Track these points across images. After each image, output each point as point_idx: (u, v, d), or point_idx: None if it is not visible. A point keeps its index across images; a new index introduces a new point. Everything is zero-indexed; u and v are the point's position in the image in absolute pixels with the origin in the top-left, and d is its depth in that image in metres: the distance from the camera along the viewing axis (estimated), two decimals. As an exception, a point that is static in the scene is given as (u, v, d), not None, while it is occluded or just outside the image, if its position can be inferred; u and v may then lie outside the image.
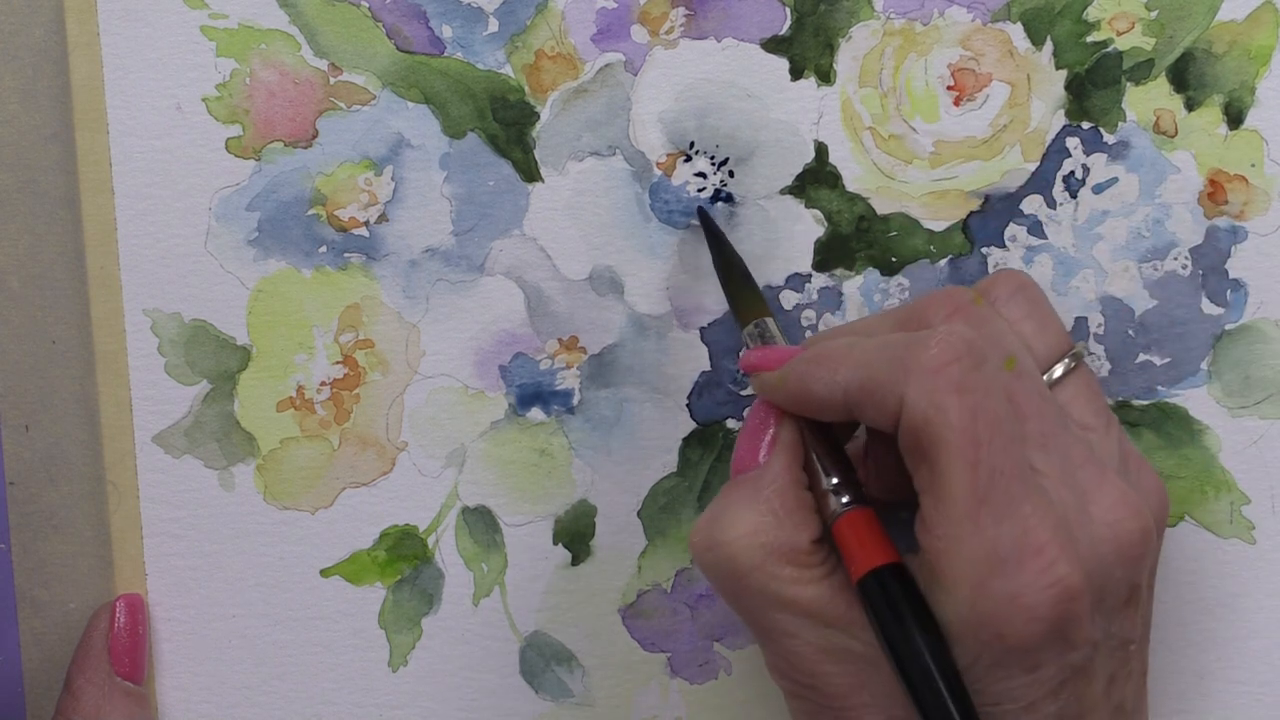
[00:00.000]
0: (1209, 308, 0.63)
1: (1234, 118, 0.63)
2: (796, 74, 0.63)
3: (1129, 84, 0.63)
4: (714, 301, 0.63)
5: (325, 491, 0.64)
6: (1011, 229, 0.63)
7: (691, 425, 0.64)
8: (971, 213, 0.63)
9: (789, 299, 0.63)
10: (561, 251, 0.64)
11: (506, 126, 0.63)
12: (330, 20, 0.63)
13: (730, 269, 0.61)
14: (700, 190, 0.63)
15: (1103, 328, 0.63)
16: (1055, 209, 0.63)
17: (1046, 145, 0.63)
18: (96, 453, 0.64)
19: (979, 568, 0.51)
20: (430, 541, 0.64)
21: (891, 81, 0.63)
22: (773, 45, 0.63)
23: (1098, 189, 0.63)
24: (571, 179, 0.64)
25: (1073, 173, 0.63)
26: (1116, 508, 0.53)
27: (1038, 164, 0.63)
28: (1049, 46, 0.63)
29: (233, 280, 0.64)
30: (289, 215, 0.64)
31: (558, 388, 0.64)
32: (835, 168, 0.63)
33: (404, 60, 0.63)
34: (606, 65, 0.63)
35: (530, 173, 0.64)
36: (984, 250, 0.63)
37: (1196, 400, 0.63)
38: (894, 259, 0.63)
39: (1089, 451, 0.54)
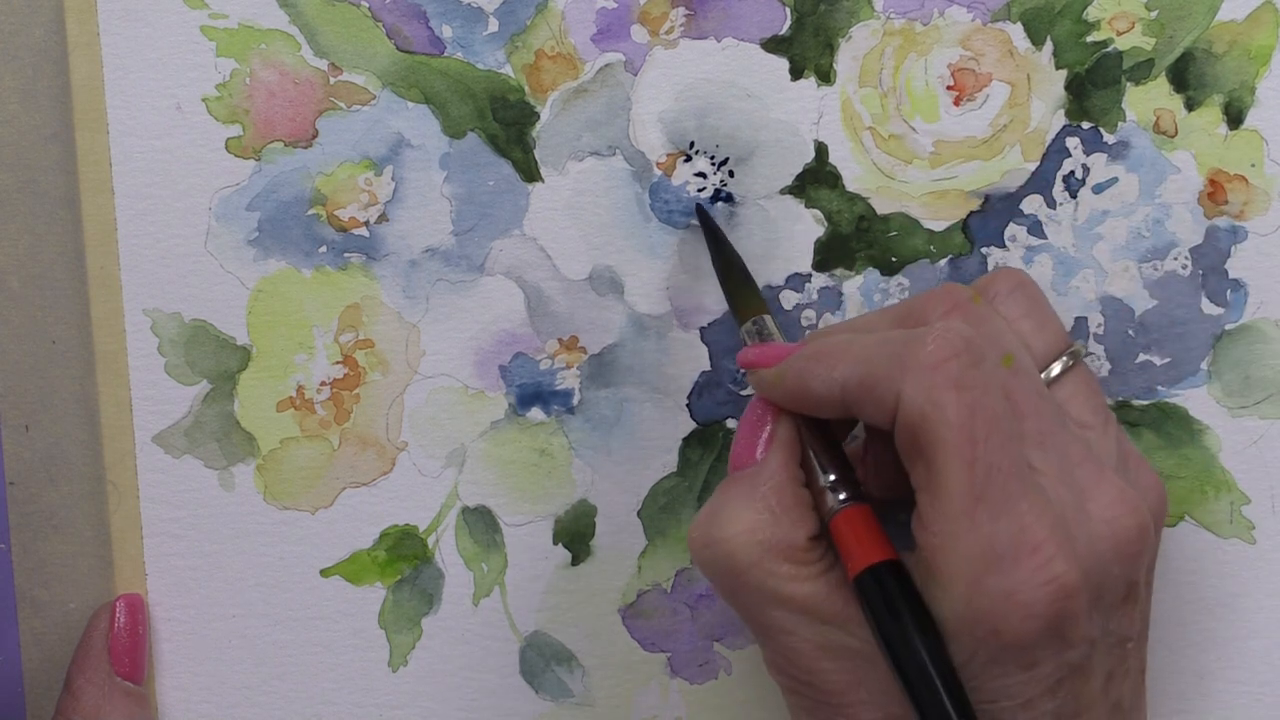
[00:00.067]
0: (1209, 308, 0.63)
1: (1234, 118, 0.63)
2: (796, 74, 0.63)
3: (1129, 84, 0.63)
4: (714, 301, 0.63)
5: (325, 491, 0.64)
6: (1011, 229, 0.63)
7: (691, 425, 0.64)
8: (971, 213, 0.63)
9: (789, 299, 0.63)
10: (561, 251, 0.64)
11: (506, 126, 0.64)
12: (330, 20, 0.63)
13: (728, 266, 0.61)
14: (700, 190, 0.63)
15: (1103, 328, 0.63)
16: (1055, 209, 0.63)
17: (1046, 145, 0.63)
18: (96, 453, 0.64)
19: (975, 565, 0.51)
20: (430, 541, 0.64)
21: (891, 81, 0.63)
22: (773, 45, 0.63)
23: (1098, 189, 0.63)
24: (571, 179, 0.64)
25: (1073, 173, 0.63)
26: (1114, 505, 0.53)
27: (1038, 164, 0.63)
28: (1049, 46, 0.63)
29: (233, 280, 0.64)
30: (289, 215, 0.64)
31: (558, 388, 0.64)
32: (835, 168, 0.63)
33: (404, 60, 0.63)
34: (606, 65, 0.63)
35: (530, 173, 0.64)
36: (984, 250, 0.63)
37: (1196, 400, 0.63)
38: (894, 259, 0.63)
39: (1087, 449, 0.54)
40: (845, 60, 0.63)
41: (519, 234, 0.64)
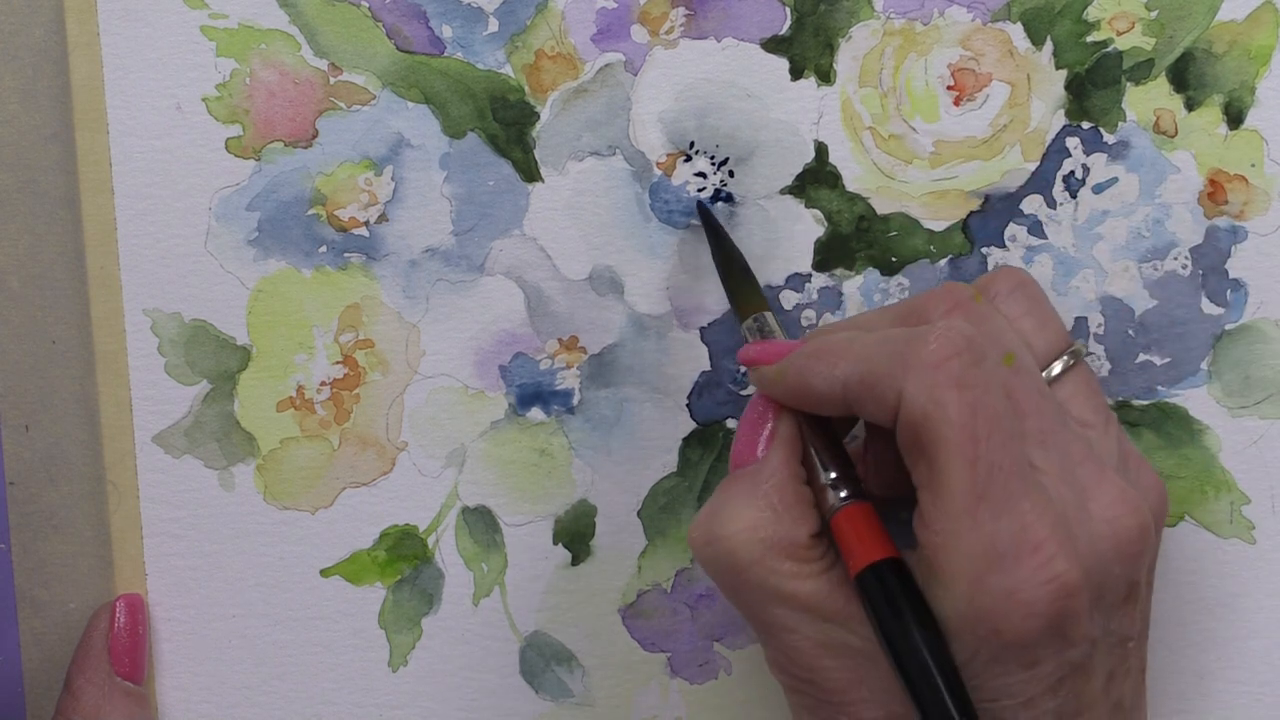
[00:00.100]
0: (1209, 308, 0.63)
1: (1234, 118, 0.63)
2: (796, 74, 0.63)
3: (1129, 84, 0.63)
4: (714, 301, 0.63)
5: (325, 491, 0.64)
6: (1011, 229, 0.63)
7: (691, 425, 0.64)
8: (971, 213, 0.63)
9: (789, 299, 0.63)
10: (561, 251, 0.64)
11: (506, 126, 0.64)
12: (330, 20, 0.63)
13: (729, 263, 0.61)
14: (700, 190, 0.63)
15: (1103, 328, 0.63)
16: (1055, 209, 0.63)
17: (1046, 145, 0.63)
18: (96, 453, 0.64)
19: (977, 563, 0.51)
20: (430, 541, 0.64)
21: (891, 81, 0.63)
22: (773, 45, 0.63)
23: (1098, 189, 0.63)
24: (571, 179, 0.64)
25: (1073, 173, 0.63)
26: (1115, 505, 0.53)
27: (1038, 164, 0.63)
28: (1049, 46, 0.63)
29: (233, 280, 0.64)
30: (289, 215, 0.64)
31: (558, 388, 0.64)
32: (835, 168, 0.63)
33: (404, 60, 0.63)
34: (606, 65, 0.63)
35: (530, 173, 0.64)
36: (984, 250, 0.63)
37: (1196, 400, 0.63)
38: (894, 259, 0.63)
39: (1088, 449, 0.54)
40: (845, 60, 0.63)
41: (519, 234, 0.64)
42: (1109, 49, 0.63)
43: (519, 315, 0.64)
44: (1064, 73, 0.63)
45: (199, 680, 0.65)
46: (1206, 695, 0.64)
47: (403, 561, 0.64)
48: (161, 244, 0.64)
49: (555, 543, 0.64)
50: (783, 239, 0.63)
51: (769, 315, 0.59)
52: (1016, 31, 0.63)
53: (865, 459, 0.58)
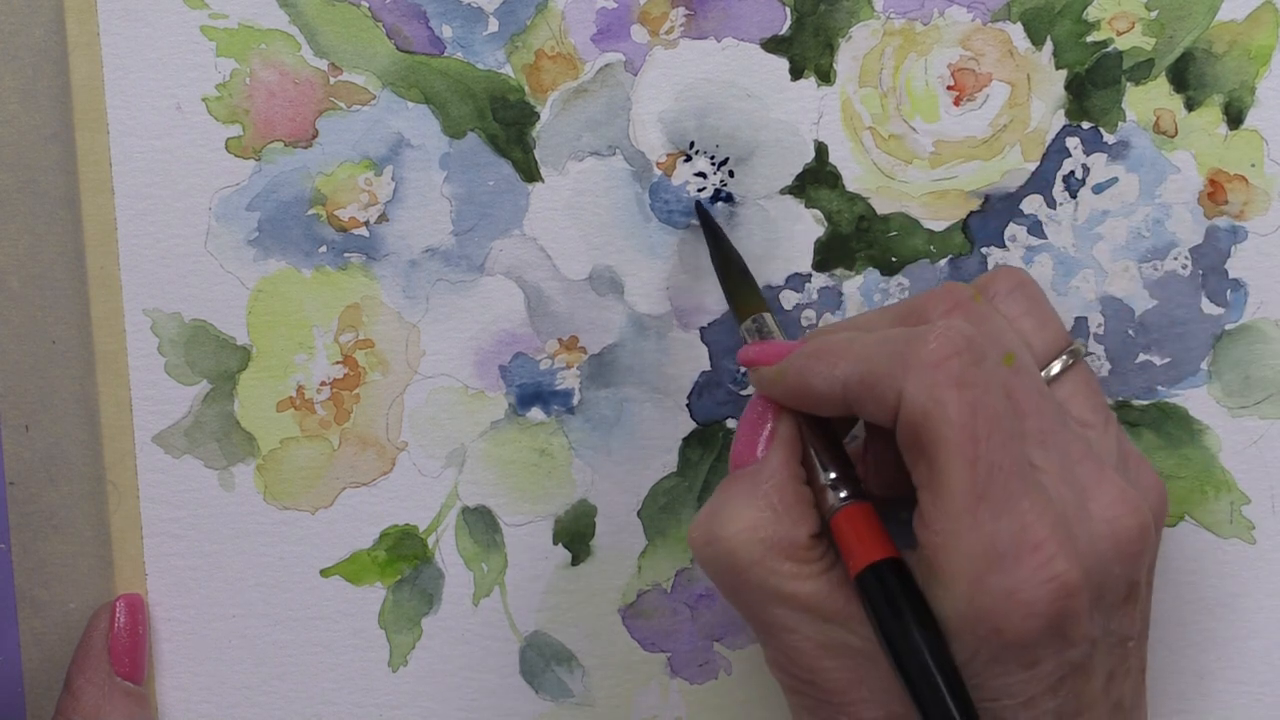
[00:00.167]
0: (1209, 308, 0.63)
1: (1234, 118, 0.63)
2: (796, 74, 0.63)
3: (1129, 84, 0.63)
4: (714, 301, 0.63)
5: (325, 491, 0.64)
6: (1011, 229, 0.63)
7: (691, 425, 0.64)
8: (971, 213, 0.63)
9: (789, 299, 0.63)
10: (561, 251, 0.64)
11: (506, 126, 0.64)
12: (330, 20, 0.63)
13: (728, 264, 0.61)
14: (700, 190, 0.63)
15: (1103, 328, 0.63)
16: (1055, 209, 0.63)
17: (1046, 145, 0.63)
18: (96, 453, 0.64)
19: (977, 563, 0.51)
20: (430, 541, 0.64)
21: (891, 81, 0.63)
22: (773, 45, 0.63)
23: (1098, 189, 0.63)
24: (571, 179, 0.64)
25: (1073, 173, 0.63)
26: (1115, 505, 0.53)
27: (1038, 164, 0.63)
28: (1049, 46, 0.63)
29: (233, 280, 0.64)
30: (289, 215, 0.64)
31: (558, 388, 0.64)
32: (835, 168, 0.63)
33: (404, 60, 0.63)
34: (606, 65, 0.63)
35: (530, 173, 0.64)
36: (984, 250, 0.63)
37: (1196, 400, 0.63)
38: (894, 259, 0.63)
39: (1087, 448, 0.54)
40: (845, 60, 0.63)
41: (519, 234, 0.64)
42: (1109, 49, 0.63)
43: (519, 315, 0.64)
44: (1064, 73, 0.63)
45: (199, 680, 0.65)
46: (1206, 695, 0.64)
47: (403, 561, 0.64)
48: (161, 244, 0.64)
49: (555, 543, 0.64)
50: (783, 239, 0.63)
51: (768, 316, 0.59)
52: (1016, 31, 0.63)
53: (865, 459, 0.58)
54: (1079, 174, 0.63)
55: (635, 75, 0.63)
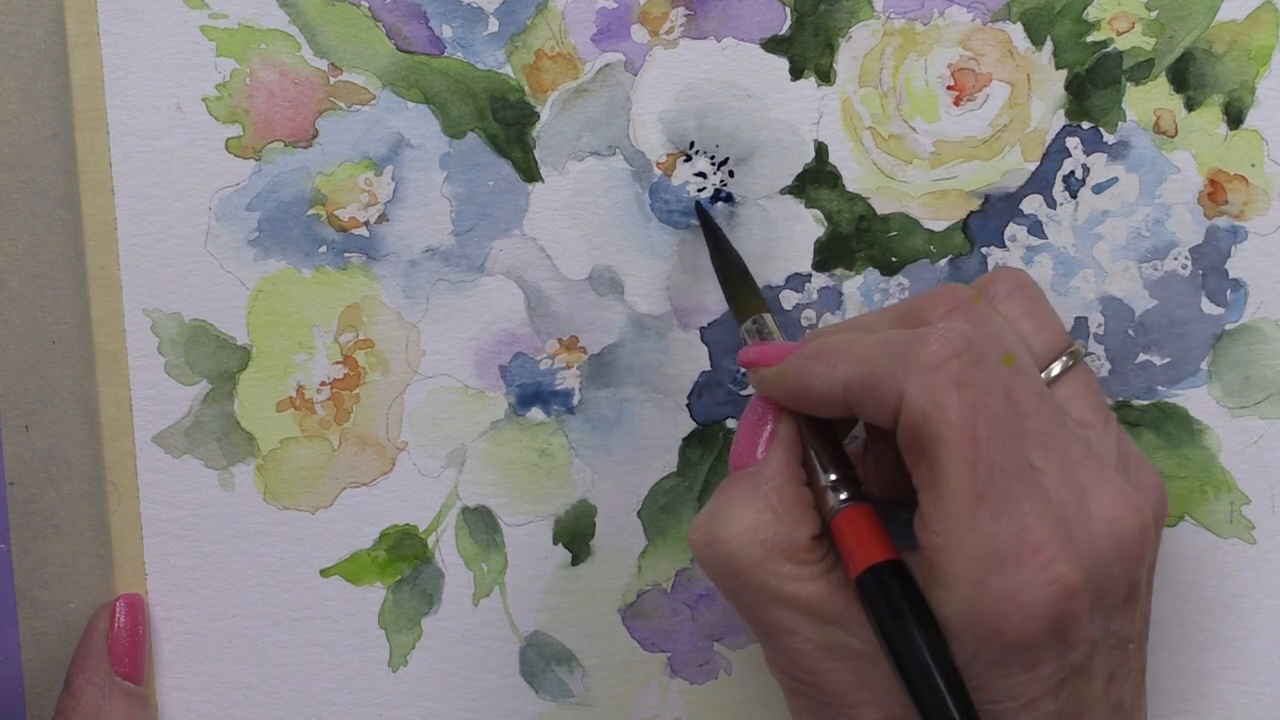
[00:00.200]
0: (1209, 308, 0.63)
1: (1234, 118, 0.63)
2: (796, 74, 0.63)
3: (1129, 84, 0.63)
4: (714, 301, 0.63)
5: (325, 491, 0.64)
6: (1011, 229, 0.63)
7: (691, 425, 0.64)
8: (971, 213, 0.63)
9: (789, 299, 0.63)
10: (561, 251, 0.64)
11: (506, 126, 0.63)
12: (330, 20, 0.63)
13: (728, 265, 0.61)
14: (700, 190, 0.63)
15: (1103, 328, 0.63)
16: (1055, 209, 0.63)
17: (1046, 145, 0.63)
18: (96, 453, 0.64)
19: (978, 565, 0.51)
20: (430, 541, 0.64)
21: (891, 81, 0.63)
22: (773, 45, 0.63)
23: (1098, 189, 0.63)
24: (571, 179, 0.64)
25: (1073, 173, 0.63)
26: (1115, 506, 0.53)
27: (1038, 164, 0.63)
28: (1049, 46, 0.63)
29: (233, 280, 0.64)
30: (289, 215, 0.64)
31: (558, 388, 0.64)
32: (835, 168, 0.63)
33: (404, 60, 0.63)
34: (606, 65, 0.63)
35: (530, 173, 0.64)
36: (984, 250, 0.63)
37: (1196, 400, 0.63)
38: (894, 259, 0.63)
39: (1087, 449, 0.54)
40: (845, 60, 0.63)
41: (519, 234, 0.64)
42: (1109, 49, 0.63)
43: (519, 315, 0.64)
44: (1064, 73, 0.63)
45: (199, 680, 0.65)
46: (1207, 695, 0.64)
47: (403, 561, 0.64)
48: (161, 244, 0.64)
49: (555, 543, 0.64)
50: (783, 239, 0.63)
51: (768, 317, 0.59)
52: (1016, 31, 0.63)
53: (865, 460, 0.58)
54: (1079, 174, 0.63)
55: (635, 75, 0.63)
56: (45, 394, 0.64)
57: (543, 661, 0.64)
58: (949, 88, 0.63)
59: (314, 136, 0.64)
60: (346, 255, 0.64)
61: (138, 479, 0.64)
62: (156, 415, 0.64)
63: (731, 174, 0.63)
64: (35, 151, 0.64)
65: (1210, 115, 0.63)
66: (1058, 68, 0.63)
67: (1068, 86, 0.63)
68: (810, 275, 0.63)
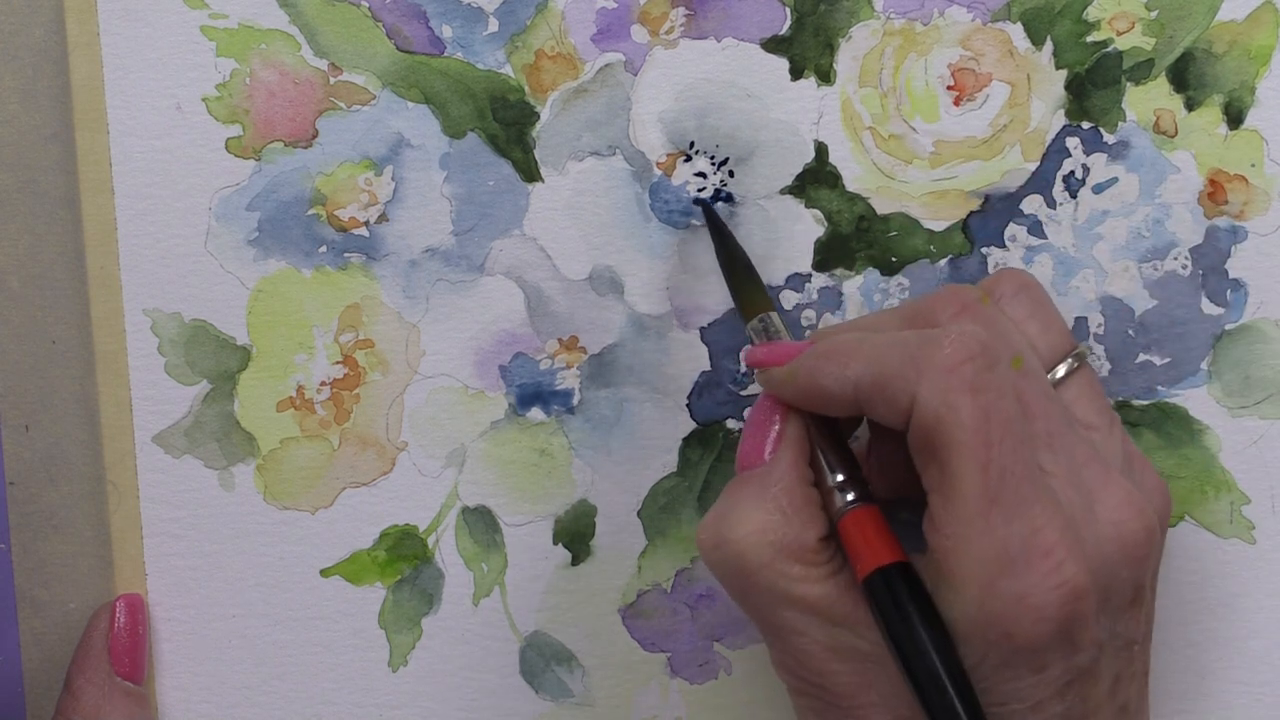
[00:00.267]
0: (1209, 308, 0.63)
1: (1234, 118, 0.63)
2: (796, 74, 0.63)
3: (1129, 84, 0.63)
4: (714, 301, 0.63)
5: (325, 491, 0.64)
6: (1011, 229, 0.63)
7: (691, 425, 0.64)
8: (971, 213, 0.63)
9: (789, 299, 0.63)
10: (561, 251, 0.64)
11: (506, 126, 0.63)
12: (330, 20, 0.63)
13: (733, 263, 0.61)
14: (700, 190, 0.63)
15: (1103, 328, 0.63)
16: (1055, 209, 0.63)
17: (1046, 145, 0.63)
18: (96, 453, 0.64)
19: (988, 567, 0.51)
20: (430, 541, 0.64)
21: (891, 81, 0.63)
22: (773, 45, 0.63)
23: (1098, 189, 0.63)
24: (571, 179, 0.64)
25: (1073, 173, 0.63)
26: (1121, 508, 0.54)
27: (1038, 164, 0.63)
28: (1049, 46, 0.63)
29: (233, 280, 0.64)
30: (289, 215, 0.64)
31: (558, 388, 0.64)
32: (835, 168, 0.63)
33: (404, 60, 0.63)
34: (606, 65, 0.63)
35: (530, 173, 0.64)
36: (984, 250, 0.63)
37: (1196, 400, 0.63)
38: (894, 259, 0.63)
39: (1093, 451, 0.55)
40: (845, 60, 0.63)
41: (519, 234, 0.64)
42: (1109, 49, 0.63)
43: (519, 315, 0.64)
44: (1064, 73, 0.63)
45: (199, 680, 0.65)
46: (1207, 695, 0.64)
47: (403, 561, 0.64)
48: (161, 244, 0.64)
49: (555, 543, 0.64)
50: (783, 239, 0.63)
51: (774, 316, 0.59)
52: (1016, 31, 0.63)
53: (869, 460, 0.58)
54: (1079, 174, 0.63)
55: (635, 75, 0.63)
56: (45, 394, 0.64)
57: (543, 661, 0.64)
58: (949, 88, 0.63)
59: (314, 136, 0.64)
60: (346, 255, 0.64)
61: (138, 479, 0.64)
62: (156, 415, 0.64)
63: (731, 174, 0.63)
64: (35, 151, 0.63)
65: (1210, 115, 0.63)
66: (1058, 68, 0.63)
67: (1068, 86, 0.63)
68: (810, 275, 0.63)
